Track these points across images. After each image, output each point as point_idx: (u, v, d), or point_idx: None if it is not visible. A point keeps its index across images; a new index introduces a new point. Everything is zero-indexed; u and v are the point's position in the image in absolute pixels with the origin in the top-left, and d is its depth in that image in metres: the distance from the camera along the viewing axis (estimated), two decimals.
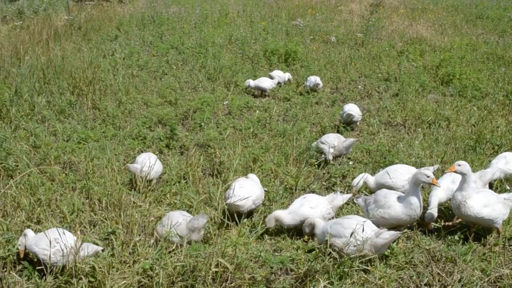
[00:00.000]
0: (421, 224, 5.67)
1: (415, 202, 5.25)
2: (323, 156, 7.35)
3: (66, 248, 4.70)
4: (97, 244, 4.98)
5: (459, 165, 5.43)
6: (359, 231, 4.80)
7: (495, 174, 6.30)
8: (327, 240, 4.90)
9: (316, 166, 7.21)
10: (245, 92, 10.84)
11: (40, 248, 4.77)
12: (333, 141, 7.32)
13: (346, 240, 4.82)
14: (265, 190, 6.17)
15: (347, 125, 8.69)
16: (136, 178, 6.43)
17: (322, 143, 7.39)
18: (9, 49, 12.99)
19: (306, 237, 5.40)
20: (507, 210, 5.41)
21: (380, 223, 5.22)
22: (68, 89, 10.19)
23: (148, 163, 6.44)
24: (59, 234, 4.77)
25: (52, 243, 4.71)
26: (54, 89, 10.07)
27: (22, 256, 4.95)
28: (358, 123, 8.86)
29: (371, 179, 6.27)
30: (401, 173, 6.16)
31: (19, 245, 4.94)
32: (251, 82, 10.75)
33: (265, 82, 10.70)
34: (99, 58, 12.44)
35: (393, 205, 5.29)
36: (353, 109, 8.67)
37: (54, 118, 8.82)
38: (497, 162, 6.49)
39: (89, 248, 4.79)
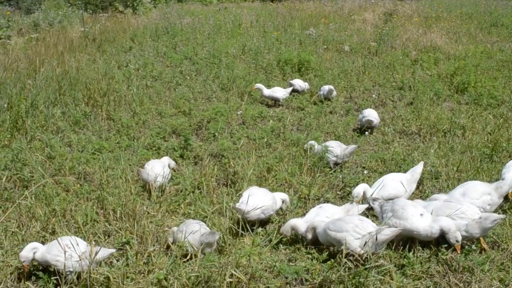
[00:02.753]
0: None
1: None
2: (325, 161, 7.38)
3: (79, 252, 4.70)
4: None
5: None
6: (360, 227, 4.99)
7: None
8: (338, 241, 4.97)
9: (330, 175, 7.17)
10: (258, 102, 10.85)
11: (52, 255, 4.76)
12: (335, 149, 7.35)
13: (357, 238, 4.94)
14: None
15: (365, 129, 8.84)
16: (148, 185, 6.60)
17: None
18: (25, 61, 13.15)
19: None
20: (478, 230, 5.16)
21: None
22: (83, 100, 10.28)
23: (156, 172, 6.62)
24: (70, 241, 4.77)
25: (64, 248, 4.69)
26: (69, 100, 10.17)
27: (27, 271, 4.92)
28: (375, 128, 8.99)
29: (370, 190, 6.15)
30: (396, 183, 6.16)
31: (24, 261, 4.84)
32: (265, 91, 10.73)
33: (278, 92, 10.70)
34: (113, 69, 12.54)
35: (410, 218, 5.20)
36: (372, 114, 8.84)
37: (69, 129, 8.88)
38: (508, 171, 6.30)
39: (103, 251, 4.83)
